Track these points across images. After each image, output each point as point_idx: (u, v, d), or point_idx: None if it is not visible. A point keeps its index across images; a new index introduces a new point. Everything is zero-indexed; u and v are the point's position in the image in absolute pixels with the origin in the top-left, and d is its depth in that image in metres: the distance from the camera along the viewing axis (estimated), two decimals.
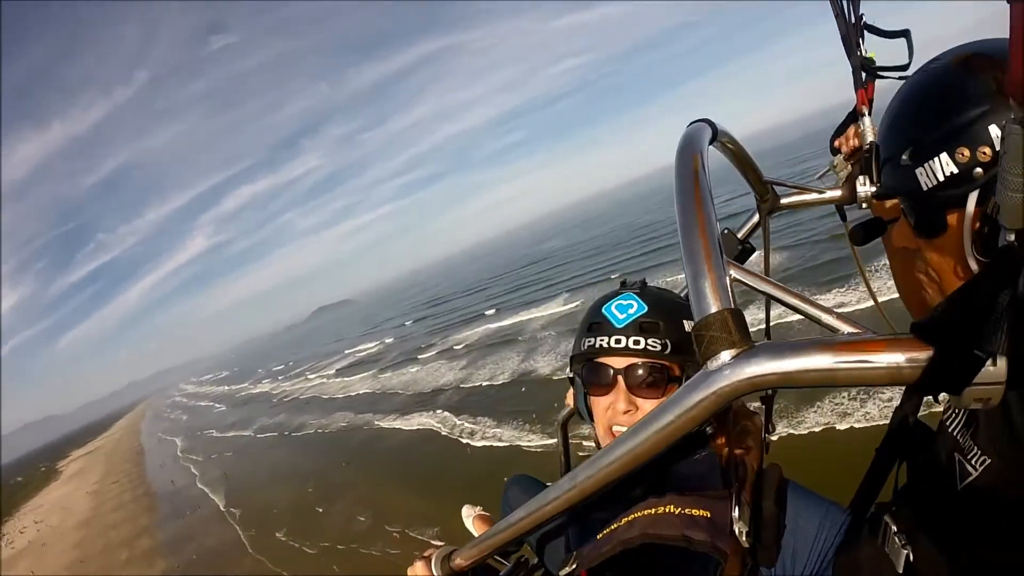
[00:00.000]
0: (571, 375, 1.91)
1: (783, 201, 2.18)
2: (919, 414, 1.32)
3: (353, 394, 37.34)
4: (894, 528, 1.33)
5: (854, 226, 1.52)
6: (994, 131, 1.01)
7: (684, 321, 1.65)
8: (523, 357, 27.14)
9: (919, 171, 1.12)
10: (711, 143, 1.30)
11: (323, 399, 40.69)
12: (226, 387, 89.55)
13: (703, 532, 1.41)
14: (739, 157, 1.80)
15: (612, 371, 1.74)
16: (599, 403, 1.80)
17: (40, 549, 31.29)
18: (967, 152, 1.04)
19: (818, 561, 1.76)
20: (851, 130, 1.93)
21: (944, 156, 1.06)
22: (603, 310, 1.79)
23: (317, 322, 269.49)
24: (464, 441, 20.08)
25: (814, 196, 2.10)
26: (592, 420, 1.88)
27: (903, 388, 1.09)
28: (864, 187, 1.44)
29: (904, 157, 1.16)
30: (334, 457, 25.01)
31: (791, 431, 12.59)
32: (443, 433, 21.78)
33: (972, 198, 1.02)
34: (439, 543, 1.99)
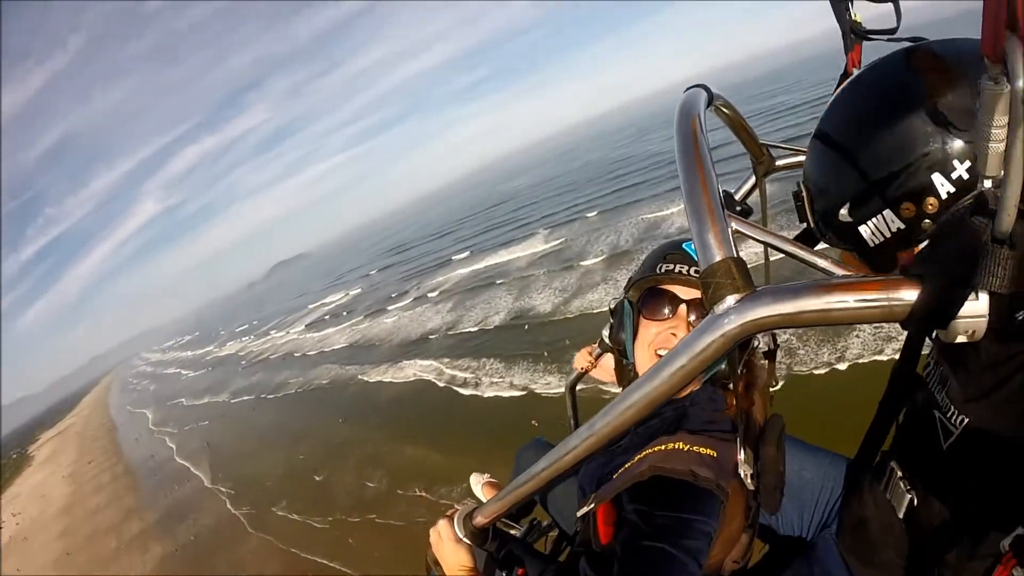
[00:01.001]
0: (613, 306, 2.10)
1: (779, 163, 2.24)
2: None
3: (330, 349, 35.51)
4: (899, 473, 1.56)
5: (804, 231, 1.63)
6: (938, 180, 1.09)
7: None
8: (516, 296, 25.87)
9: (863, 229, 1.20)
10: (707, 107, 1.34)
11: (299, 356, 38.82)
12: (191, 352, 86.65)
13: (709, 470, 1.59)
14: (734, 121, 1.84)
15: (679, 300, 1.89)
16: (650, 327, 1.92)
17: (22, 544, 28.99)
18: (912, 207, 1.11)
19: (824, 511, 2.17)
20: None
21: (888, 213, 1.14)
22: (684, 246, 1.94)
23: (277, 278, 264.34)
24: (467, 392, 18.52)
25: None
26: (629, 349, 1.99)
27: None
28: None
29: (843, 212, 1.22)
30: (324, 417, 23.31)
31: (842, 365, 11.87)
32: (440, 385, 20.26)
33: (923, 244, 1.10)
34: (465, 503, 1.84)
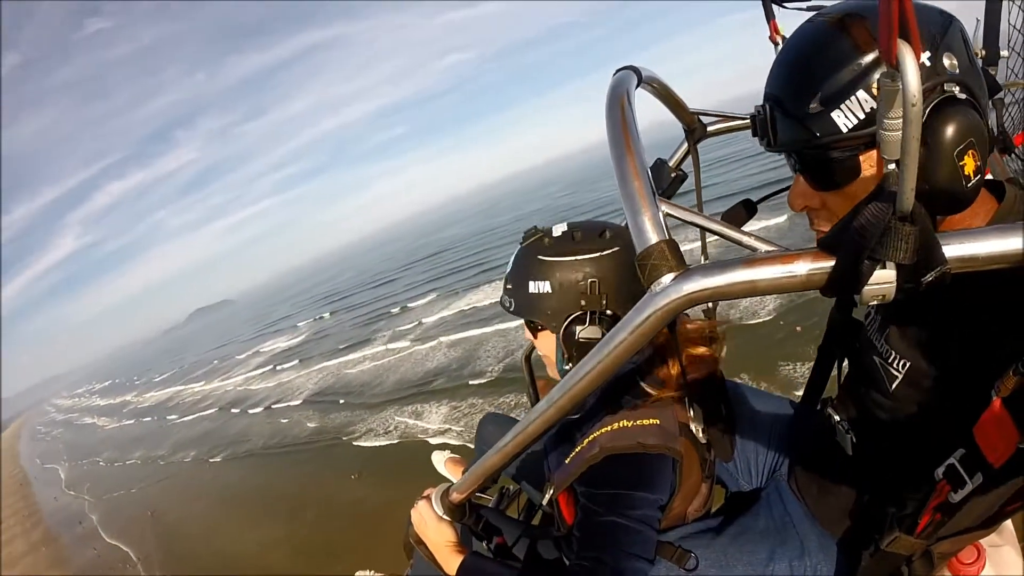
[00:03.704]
0: None
1: (710, 129, 2.38)
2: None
3: (288, 404, 29.01)
4: (837, 418, 1.74)
5: (730, 210, 1.86)
6: None
7: (530, 282, 1.88)
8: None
9: (835, 114, 1.20)
10: (637, 87, 1.41)
11: (250, 407, 32.12)
12: (109, 400, 75.70)
13: (655, 437, 1.72)
14: (665, 95, 1.96)
15: None
16: None
17: None
18: None
19: (776, 453, 2.22)
20: None
21: (861, 93, 1.16)
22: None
23: (198, 324, 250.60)
24: None
25: (738, 122, 2.33)
26: None
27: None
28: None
29: (813, 105, 1.23)
30: (314, 479, 17.61)
31: None
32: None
33: None
34: None
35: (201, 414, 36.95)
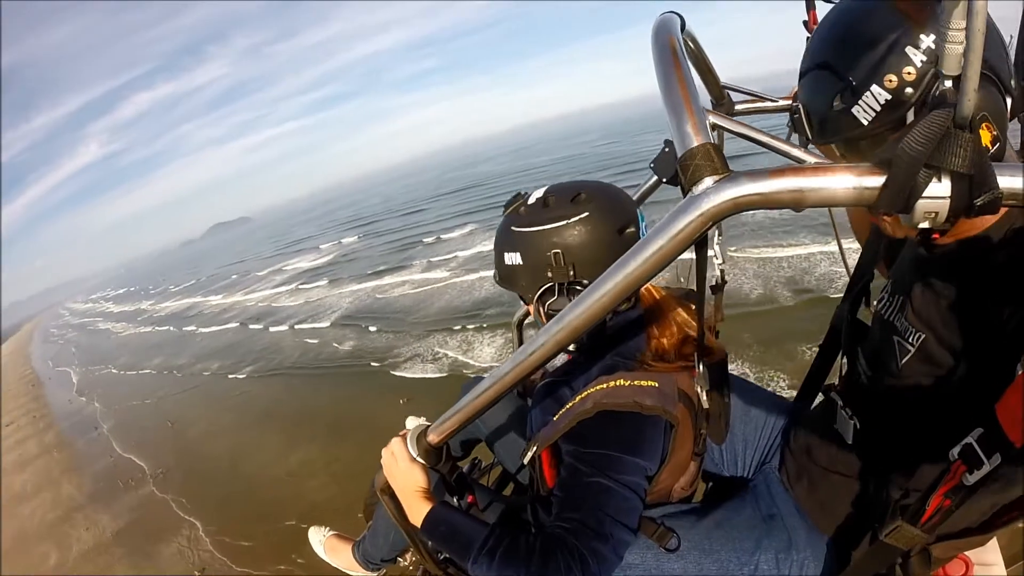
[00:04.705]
0: None
1: (738, 107, 2.35)
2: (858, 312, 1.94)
3: (320, 325, 26.89)
4: (840, 403, 1.73)
5: None
6: (910, 52, 1.19)
7: (505, 254, 1.80)
8: None
9: (855, 110, 1.27)
10: (682, 31, 1.37)
11: (274, 322, 30.38)
12: (124, 307, 73.10)
13: (652, 399, 1.62)
14: (698, 58, 1.92)
15: None
16: None
17: None
18: (894, 78, 1.21)
19: (765, 449, 2.15)
20: None
21: (875, 88, 1.22)
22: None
23: (216, 239, 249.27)
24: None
25: (767, 104, 2.31)
26: None
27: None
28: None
29: (836, 104, 1.29)
30: (355, 407, 15.72)
31: None
32: None
33: (910, 116, 1.21)
34: None
35: (221, 327, 35.01)
